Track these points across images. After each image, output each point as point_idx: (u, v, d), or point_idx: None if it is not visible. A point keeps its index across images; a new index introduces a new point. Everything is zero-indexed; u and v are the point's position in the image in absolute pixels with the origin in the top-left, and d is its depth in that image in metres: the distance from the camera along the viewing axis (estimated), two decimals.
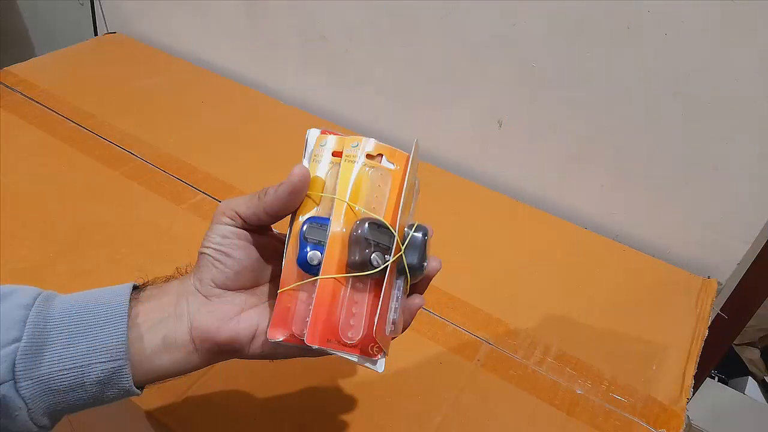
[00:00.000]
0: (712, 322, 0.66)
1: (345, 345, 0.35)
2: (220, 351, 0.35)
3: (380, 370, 0.36)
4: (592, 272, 0.69)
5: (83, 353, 0.32)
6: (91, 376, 0.32)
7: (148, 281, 0.37)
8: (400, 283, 0.36)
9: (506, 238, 0.73)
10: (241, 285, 0.36)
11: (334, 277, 0.35)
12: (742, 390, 1.14)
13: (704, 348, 0.61)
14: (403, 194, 0.36)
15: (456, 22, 0.75)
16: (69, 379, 0.31)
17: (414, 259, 0.36)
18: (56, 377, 0.31)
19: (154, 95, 0.95)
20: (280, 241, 0.37)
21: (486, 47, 0.75)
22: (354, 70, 0.89)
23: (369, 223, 0.35)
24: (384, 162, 0.37)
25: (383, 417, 0.51)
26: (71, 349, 0.32)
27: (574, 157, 0.76)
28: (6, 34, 1.49)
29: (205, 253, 0.35)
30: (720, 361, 0.84)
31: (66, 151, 0.80)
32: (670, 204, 0.72)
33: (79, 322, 0.32)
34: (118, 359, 0.32)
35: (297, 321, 0.35)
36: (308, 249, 0.35)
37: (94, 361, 0.32)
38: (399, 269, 0.36)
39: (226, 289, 0.36)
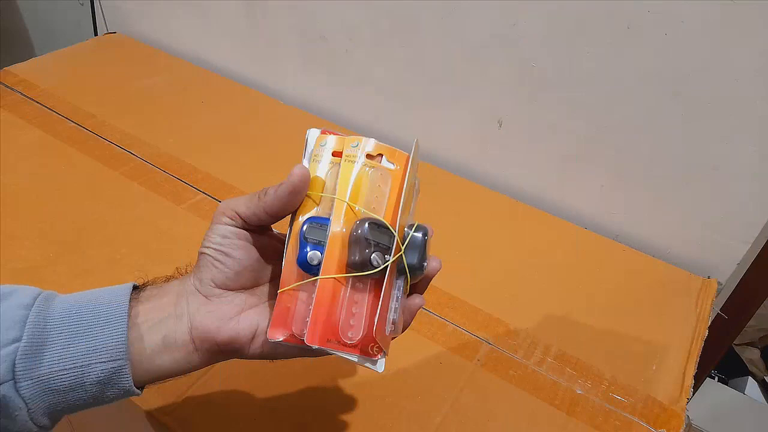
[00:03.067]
0: (712, 322, 0.66)
1: (345, 345, 0.35)
2: (220, 351, 0.35)
3: (380, 370, 0.36)
4: (592, 272, 0.69)
5: (83, 353, 0.32)
6: (91, 376, 0.32)
7: (148, 281, 0.37)
8: (400, 283, 0.36)
9: (506, 238, 0.73)
10: (241, 285, 0.36)
11: (334, 277, 0.35)
12: (742, 390, 1.14)
13: (704, 348, 0.61)
14: (403, 194, 0.36)
15: (456, 22, 0.75)
16: (69, 379, 0.31)
17: (414, 259, 0.36)
18: (56, 377, 0.31)
19: (154, 95, 0.95)
20: (280, 241, 0.37)
21: (486, 47, 0.75)
22: (354, 70, 0.89)
23: (369, 223, 0.35)
24: (384, 162, 0.37)
25: (383, 417, 0.51)
26: (71, 349, 0.32)
27: (574, 157, 0.76)
28: (6, 34, 1.49)
29: (205, 253, 0.35)
30: (720, 361, 0.84)
31: (66, 151, 0.80)
32: (670, 204, 0.72)
33: (79, 322, 0.32)
34: (118, 359, 0.32)
35: (297, 321, 0.35)
36: (308, 249, 0.35)
37: (94, 361, 0.32)
38: (399, 269, 0.36)
39: (226, 289, 0.36)
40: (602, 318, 0.63)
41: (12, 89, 0.92)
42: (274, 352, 0.36)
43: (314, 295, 0.34)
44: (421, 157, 0.75)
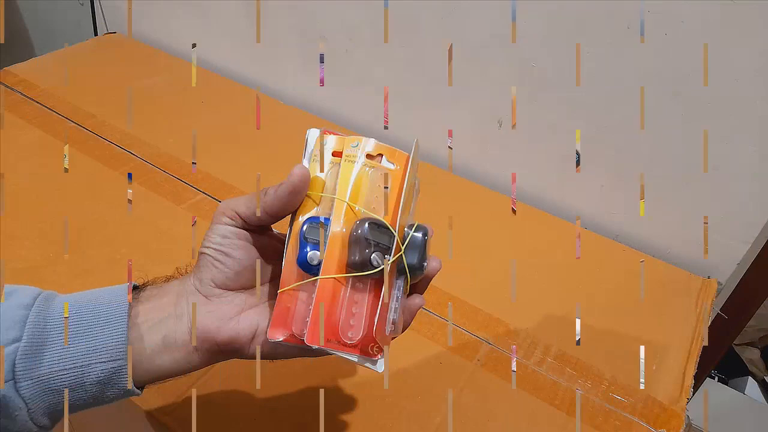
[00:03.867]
0: (712, 322, 0.66)
1: (345, 345, 0.35)
2: (220, 351, 0.35)
3: (380, 370, 0.36)
4: (592, 272, 0.69)
5: (83, 353, 0.32)
6: (91, 376, 0.32)
7: (148, 281, 0.37)
8: (400, 283, 0.36)
9: (506, 238, 0.73)
10: (241, 285, 0.36)
11: (334, 277, 0.35)
12: (742, 390, 1.14)
13: (704, 348, 0.61)
14: (403, 194, 0.36)
15: (456, 22, 0.75)
16: (69, 379, 0.32)
17: (414, 259, 0.36)
18: (56, 377, 0.31)
19: (154, 95, 0.95)
20: (280, 241, 0.37)
21: (486, 47, 0.75)
22: (354, 70, 0.89)
23: (369, 223, 0.35)
24: (384, 162, 0.37)
25: (383, 417, 0.51)
26: (71, 349, 0.32)
27: (574, 157, 0.76)
28: (6, 34, 1.49)
29: (205, 253, 0.35)
30: (720, 361, 0.84)
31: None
32: (670, 204, 0.72)
33: (79, 322, 0.32)
34: (118, 359, 0.32)
35: (297, 321, 0.35)
36: (308, 249, 0.35)
37: (94, 361, 0.32)
38: (399, 269, 0.36)
39: (226, 289, 0.36)
40: (602, 318, 0.63)
41: (12, 89, 0.92)
42: (274, 352, 0.36)
43: (314, 295, 0.34)
44: (421, 157, 0.75)
